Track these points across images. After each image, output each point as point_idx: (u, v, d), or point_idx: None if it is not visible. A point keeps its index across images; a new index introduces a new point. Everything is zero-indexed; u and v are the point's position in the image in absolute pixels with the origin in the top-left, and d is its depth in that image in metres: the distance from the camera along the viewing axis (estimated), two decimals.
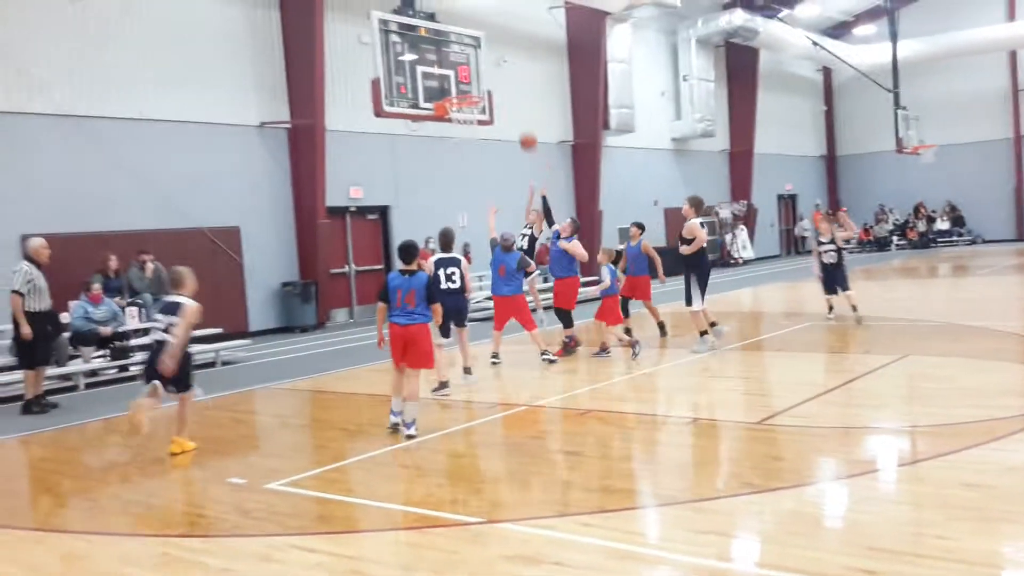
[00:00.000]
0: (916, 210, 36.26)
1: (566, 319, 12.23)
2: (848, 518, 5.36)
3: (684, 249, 11.61)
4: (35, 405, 10.50)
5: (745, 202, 32.45)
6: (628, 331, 12.39)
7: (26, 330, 10.28)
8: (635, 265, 13.21)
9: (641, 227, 13.57)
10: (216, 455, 7.81)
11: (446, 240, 10.36)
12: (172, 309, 7.68)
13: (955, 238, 35.13)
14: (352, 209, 19.75)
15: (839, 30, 35.70)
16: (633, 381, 10.37)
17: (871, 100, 35.85)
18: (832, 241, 13.70)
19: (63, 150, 14.77)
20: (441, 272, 9.99)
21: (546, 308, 13.73)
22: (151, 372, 7.65)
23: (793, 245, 36.46)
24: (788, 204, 36.85)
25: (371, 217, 20.36)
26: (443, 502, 6.00)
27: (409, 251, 8.19)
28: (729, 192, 32.87)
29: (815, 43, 31.80)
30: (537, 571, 4.65)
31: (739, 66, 32.44)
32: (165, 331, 7.60)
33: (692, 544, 4.89)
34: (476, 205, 22.00)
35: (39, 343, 10.50)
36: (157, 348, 7.66)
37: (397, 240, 20.32)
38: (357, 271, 19.78)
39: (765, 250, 32.75)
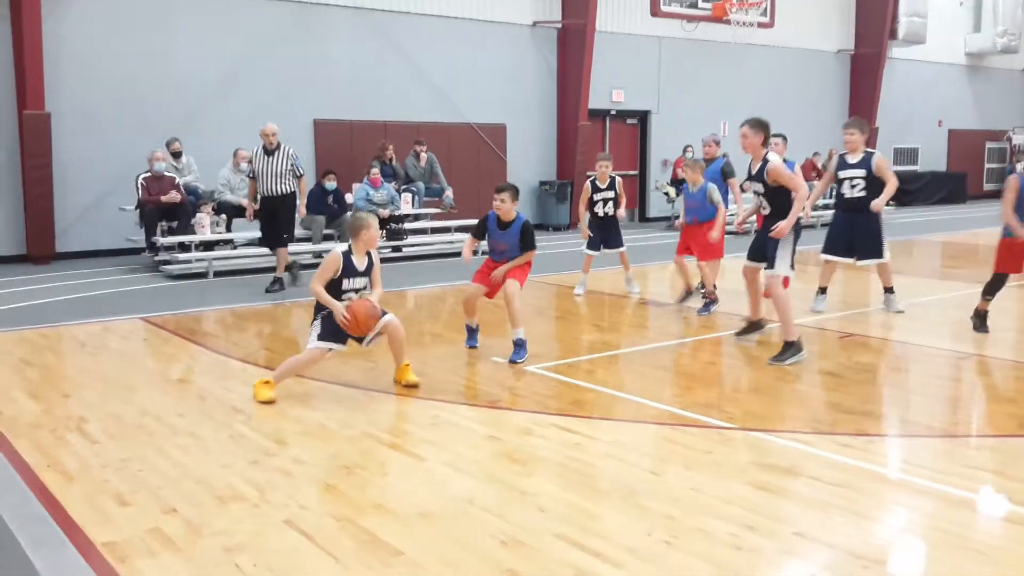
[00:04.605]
0: None
1: None
2: None
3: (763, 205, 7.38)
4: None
5: None
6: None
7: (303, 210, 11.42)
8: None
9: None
10: (481, 335, 8.26)
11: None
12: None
13: None
14: (612, 112, 19.72)
15: None
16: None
17: None
18: None
19: (350, 40, 15.72)
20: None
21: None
22: None
23: None
24: None
25: (630, 122, 20.23)
26: (694, 404, 6.04)
27: None
28: None
29: None
30: (793, 482, 4.62)
31: None
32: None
33: (961, 478, 4.66)
34: (738, 114, 21.23)
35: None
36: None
37: (654, 147, 20.28)
38: None
39: None
